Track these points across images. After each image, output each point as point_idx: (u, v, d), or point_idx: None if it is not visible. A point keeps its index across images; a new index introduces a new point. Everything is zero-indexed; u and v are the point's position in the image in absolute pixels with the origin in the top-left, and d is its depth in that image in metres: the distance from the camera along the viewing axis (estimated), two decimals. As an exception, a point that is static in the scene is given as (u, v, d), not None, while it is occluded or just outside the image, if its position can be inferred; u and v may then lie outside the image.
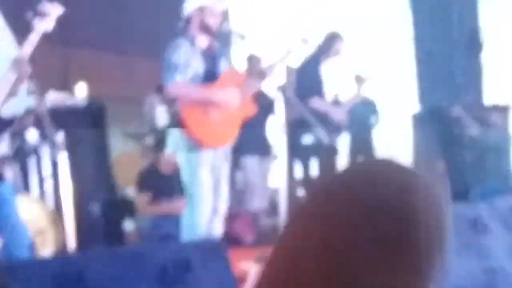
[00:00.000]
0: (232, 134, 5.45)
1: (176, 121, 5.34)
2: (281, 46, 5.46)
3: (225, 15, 6.39)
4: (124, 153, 9.23)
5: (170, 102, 5.59)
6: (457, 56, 8.24)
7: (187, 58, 5.27)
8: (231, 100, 5.32)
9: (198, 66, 5.32)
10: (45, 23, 4.32)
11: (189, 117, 5.25)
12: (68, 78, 8.66)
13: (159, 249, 3.73)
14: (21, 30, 4.44)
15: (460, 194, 7.64)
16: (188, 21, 5.38)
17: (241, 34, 5.57)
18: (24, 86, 4.51)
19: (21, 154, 6.50)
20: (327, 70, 7.93)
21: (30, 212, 6.07)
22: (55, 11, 4.34)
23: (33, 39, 4.31)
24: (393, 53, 14.69)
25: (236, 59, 7.73)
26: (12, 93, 4.41)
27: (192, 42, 5.35)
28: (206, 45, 5.42)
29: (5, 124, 4.59)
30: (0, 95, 4.29)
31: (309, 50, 5.80)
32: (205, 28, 5.35)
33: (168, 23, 8.75)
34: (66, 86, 8.39)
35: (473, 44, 8.36)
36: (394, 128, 13.54)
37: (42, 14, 4.31)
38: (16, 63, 4.28)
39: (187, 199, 5.41)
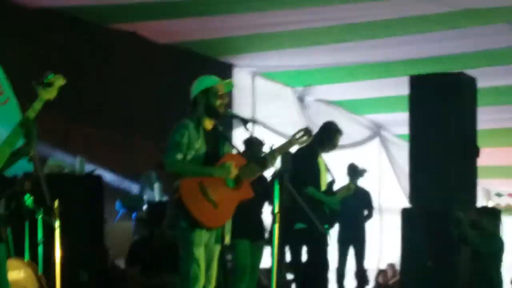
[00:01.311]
0: (228, 216, 5.53)
1: (173, 199, 5.43)
2: (285, 135, 5.56)
3: (230, 99, 6.53)
4: (117, 224, 9.27)
5: (168, 179, 5.67)
6: (452, 158, 8.36)
7: (190, 138, 5.41)
8: (228, 173, 5.42)
9: (200, 147, 5.45)
10: (48, 93, 4.49)
11: (188, 196, 5.34)
12: (69, 149, 8.83)
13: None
14: (28, 97, 4.63)
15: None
16: (194, 103, 5.54)
17: (244, 119, 5.69)
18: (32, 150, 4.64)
19: (16, 217, 6.55)
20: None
21: (19, 275, 6.11)
22: (58, 82, 4.52)
23: (37, 106, 4.49)
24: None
25: (238, 143, 7.84)
26: (23, 153, 4.54)
27: (197, 124, 5.49)
28: (210, 127, 5.57)
29: (5, 184, 4.69)
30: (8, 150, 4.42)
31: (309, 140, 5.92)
32: (210, 111, 5.51)
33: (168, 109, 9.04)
34: (66, 156, 8.54)
35: (469, 149, 8.50)
36: (387, 221, 13.67)
37: (46, 84, 4.48)
38: (21, 124, 4.43)
39: (180, 276, 5.45)
